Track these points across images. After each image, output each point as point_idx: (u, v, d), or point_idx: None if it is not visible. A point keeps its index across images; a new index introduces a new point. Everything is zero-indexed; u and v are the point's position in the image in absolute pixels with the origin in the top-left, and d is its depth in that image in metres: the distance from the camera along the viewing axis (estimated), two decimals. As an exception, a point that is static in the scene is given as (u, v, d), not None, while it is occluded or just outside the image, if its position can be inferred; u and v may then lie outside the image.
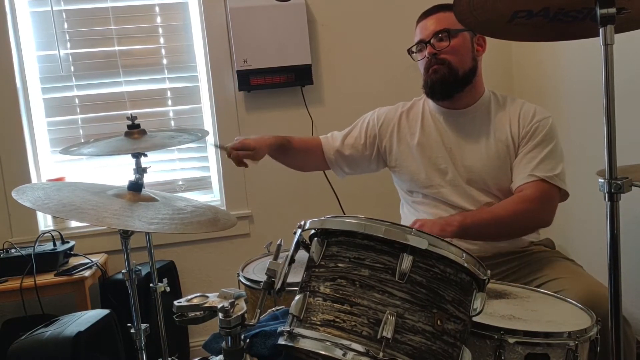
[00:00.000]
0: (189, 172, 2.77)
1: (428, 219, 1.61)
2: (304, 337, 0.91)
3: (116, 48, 2.63)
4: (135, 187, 1.35)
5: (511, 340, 1.08)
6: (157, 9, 2.67)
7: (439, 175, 1.72)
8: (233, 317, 0.97)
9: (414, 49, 1.74)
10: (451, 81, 1.67)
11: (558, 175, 1.60)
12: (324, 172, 2.68)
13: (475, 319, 1.00)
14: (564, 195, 1.64)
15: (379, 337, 0.87)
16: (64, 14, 2.58)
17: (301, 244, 1.05)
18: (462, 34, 1.66)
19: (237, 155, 1.71)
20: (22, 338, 1.85)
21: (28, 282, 2.16)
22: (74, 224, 2.61)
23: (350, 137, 1.89)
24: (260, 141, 1.75)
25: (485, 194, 1.69)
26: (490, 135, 1.70)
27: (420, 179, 1.75)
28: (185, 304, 1.01)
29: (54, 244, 2.33)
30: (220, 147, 1.79)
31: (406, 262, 0.91)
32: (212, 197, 2.78)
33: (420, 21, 1.73)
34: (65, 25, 2.59)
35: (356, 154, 1.87)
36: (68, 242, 2.38)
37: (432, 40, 1.66)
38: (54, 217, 2.59)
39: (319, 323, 0.91)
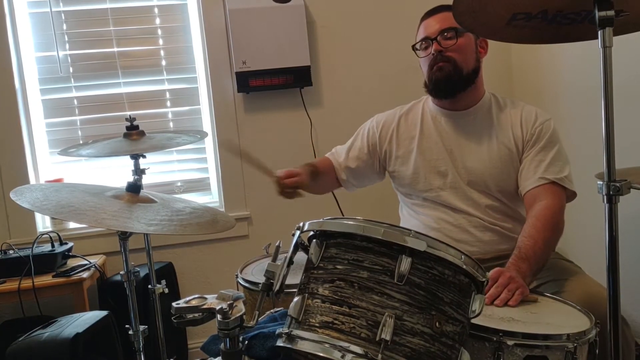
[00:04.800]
0: (188, 173, 2.77)
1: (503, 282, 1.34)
2: (302, 339, 0.91)
3: (115, 49, 2.63)
4: (134, 188, 1.35)
5: (510, 343, 1.08)
6: (156, 10, 2.67)
7: (439, 177, 1.72)
8: (231, 318, 0.97)
9: (418, 46, 1.74)
10: (456, 79, 1.67)
11: (567, 177, 1.61)
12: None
13: (474, 321, 1.00)
14: (571, 195, 1.65)
15: (377, 339, 0.87)
16: (62, 15, 2.58)
17: (300, 246, 1.04)
18: (467, 35, 1.67)
19: (286, 184, 1.67)
20: (20, 339, 1.85)
21: (26, 283, 2.15)
22: (72, 225, 2.60)
23: (354, 149, 1.88)
24: (299, 168, 1.73)
25: (486, 196, 1.69)
26: (493, 137, 1.70)
27: (420, 183, 1.74)
28: (184, 305, 1.01)
29: (52, 245, 2.33)
30: (246, 158, 1.72)
31: (405, 263, 0.91)
32: (211, 198, 2.78)
33: (425, 19, 1.73)
34: (64, 27, 2.59)
35: (362, 165, 1.86)
36: (66, 244, 2.38)
37: (438, 38, 1.66)
38: (52, 218, 2.58)
39: (317, 325, 0.91)
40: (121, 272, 1.67)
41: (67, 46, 2.60)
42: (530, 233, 1.49)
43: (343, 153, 1.89)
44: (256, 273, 1.66)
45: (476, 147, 1.70)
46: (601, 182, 1.07)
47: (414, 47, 1.75)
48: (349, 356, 0.86)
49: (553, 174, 1.60)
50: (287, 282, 1.03)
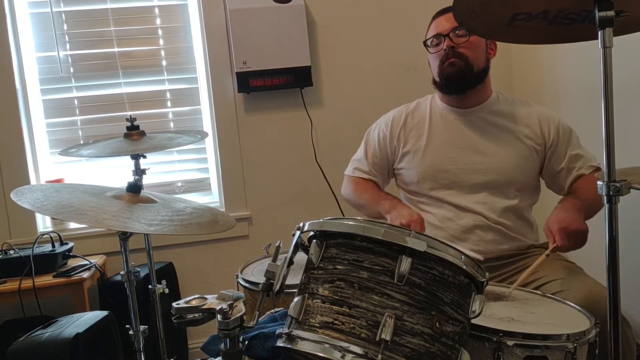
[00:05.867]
0: (188, 173, 2.76)
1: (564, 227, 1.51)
2: (302, 339, 0.91)
3: (115, 49, 2.63)
4: (135, 188, 1.35)
5: (510, 343, 1.08)
6: (156, 10, 2.67)
7: (446, 176, 1.72)
8: (232, 318, 0.97)
9: (429, 43, 1.75)
10: (467, 75, 1.68)
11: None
12: (323, 174, 2.68)
13: (474, 321, 1.00)
14: None
15: (377, 339, 0.87)
16: (63, 15, 2.58)
17: (300, 246, 1.05)
18: None
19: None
20: (21, 339, 1.85)
21: (27, 283, 2.15)
22: (72, 225, 2.61)
23: (369, 156, 1.89)
24: (408, 211, 1.68)
25: (494, 193, 1.69)
26: (504, 135, 1.71)
27: (427, 181, 1.74)
28: (184, 305, 1.01)
29: (53, 246, 2.33)
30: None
31: (405, 264, 0.91)
32: (211, 198, 2.78)
33: (437, 18, 1.75)
34: (65, 27, 2.59)
35: (380, 169, 1.88)
36: (67, 244, 2.38)
37: (450, 34, 1.68)
38: (52, 218, 2.58)
39: (317, 325, 0.91)
40: (121, 272, 1.67)
41: (68, 46, 2.60)
42: (577, 189, 1.67)
43: (365, 164, 1.90)
44: (256, 273, 1.66)
45: (487, 145, 1.71)
46: (601, 182, 1.07)
47: (425, 44, 1.76)
48: (349, 356, 0.86)
49: (595, 161, 1.70)
50: (287, 282, 1.03)
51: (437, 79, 1.75)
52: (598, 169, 1.69)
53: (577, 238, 1.49)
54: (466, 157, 1.72)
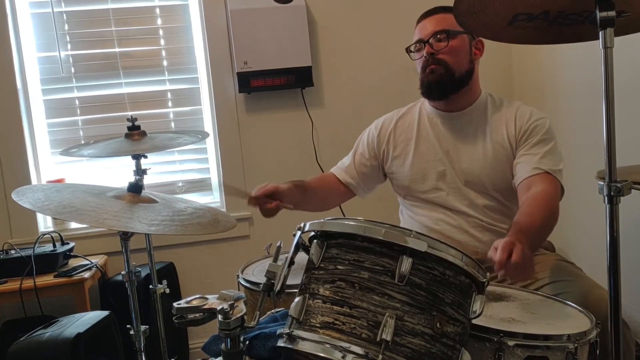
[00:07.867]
0: (189, 173, 2.77)
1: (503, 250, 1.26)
2: (303, 339, 0.91)
3: (117, 49, 2.63)
4: (135, 188, 1.35)
5: (510, 343, 1.08)
6: (157, 10, 2.68)
7: (437, 178, 1.72)
8: (232, 319, 0.97)
9: (412, 48, 1.74)
10: (447, 81, 1.66)
11: (561, 170, 1.60)
12: (323, 172, 2.68)
13: (474, 321, 1.00)
14: (561, 191, 1.63)
15: (378, 339, 0.87)
16: (64, 15, 2.59)
17: (301, 246, 1.05)
18: (461, 36, 1.66)
19: (257, 203, 1.65)
20: (22, 339, 1.86)
21: (28, 283, 2.16)
22: (73, 225, 2.61)
23: (357, 154, 1.88)
24: (283, 184, 1.70)
25: (483, 196, 1.68)
26: (487, 136, 1.69)
27: (418, 184, 1.74)
28: (185, 305, 1.01)
29: (54, 245, 2.33)
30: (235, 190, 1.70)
31: (406, 264, 0.91)
32: (212, 198, 2.78)
33: (421, 21, 1.73)
34: (66, 27, 2.59)
35: (367, 170, 1.87)
36: (68, 244, 2.38)
37: (430, 40, 1.66)
38: (53, 218, 2.59)
39: (318, 325, 0.91)
40: (122, 272, 1.67)
41: (69, 46, 2.61)
42: (527, 211, 1.47)
43: (348, 160, 1.90)
44: (257, 273, 1.66)
45: (471, 147, 1.70)
46: (602, 183, 1.06)
47: (407, 50, 1.75)
48: (349, 356, 0.86)
49: (548, 165, 1.59)
50: (288, 282, 1.03)
51: (420, 84, 1.73)
52: (547, 173, 1.56)
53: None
54: (452, 160, 1.71)
